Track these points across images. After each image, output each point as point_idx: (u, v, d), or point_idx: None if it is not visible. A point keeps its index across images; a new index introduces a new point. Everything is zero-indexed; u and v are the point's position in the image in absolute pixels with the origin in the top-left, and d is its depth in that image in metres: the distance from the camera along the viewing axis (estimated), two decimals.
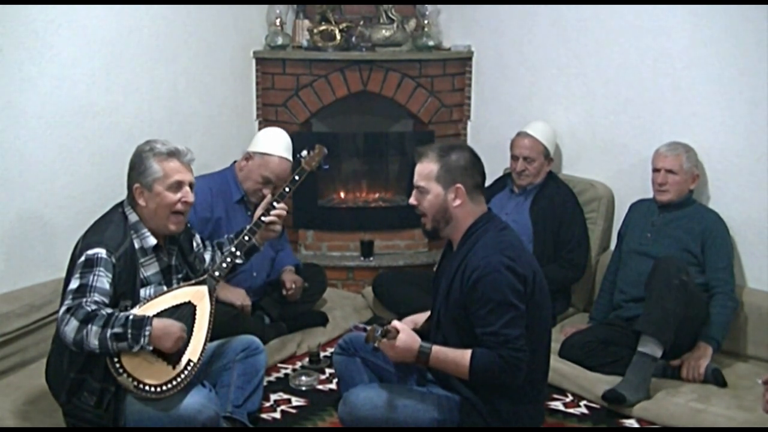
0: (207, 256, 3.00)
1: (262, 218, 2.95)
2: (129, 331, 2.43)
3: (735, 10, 3.42)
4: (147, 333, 2.45)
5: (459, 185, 2.60)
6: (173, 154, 2.69)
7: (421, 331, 2.76)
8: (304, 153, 3.13)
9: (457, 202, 2.61)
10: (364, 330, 2.55)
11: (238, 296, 3.43)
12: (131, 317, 2.46)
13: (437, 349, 2.52)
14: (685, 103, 3.65)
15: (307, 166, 3.11)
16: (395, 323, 2.56)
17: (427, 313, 2.82)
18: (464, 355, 2.50)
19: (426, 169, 2.63)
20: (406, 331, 2.53)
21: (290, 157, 3.50)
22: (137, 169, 2.68)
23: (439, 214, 2.63)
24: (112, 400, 2.53)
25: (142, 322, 2.47)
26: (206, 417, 2.56)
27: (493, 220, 2.66)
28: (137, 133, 3.54)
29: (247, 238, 2.91)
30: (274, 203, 2.98)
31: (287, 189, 3.02)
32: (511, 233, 2.66)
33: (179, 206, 2.68)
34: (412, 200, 2.69)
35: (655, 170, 3.50)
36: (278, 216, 2.97)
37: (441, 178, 2.61)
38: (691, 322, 3.21)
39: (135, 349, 2.45)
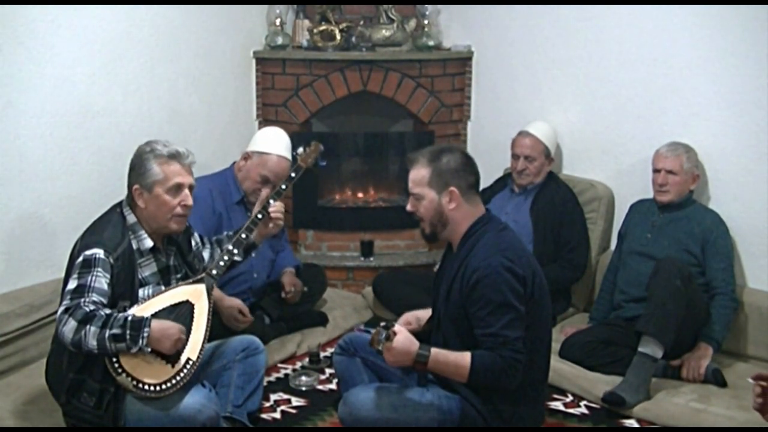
0: (206, 254, 3.00)
1: (259, 215, 2.95)
2: (127, 332, 2.43)
3: (735, 10, 3.43)
4: (145, 334, 2.45)
5: (453, 188, 2.59)
6: (174, 156, 2.67)
7: (423, 333, 2.76)
8: (300, 150, 3.13)
9: (452, 205, 2.60)
10: (367, 332, 2.52)
11: (235, 305, 3.38)
12: (130, 318, 2.46)
13: (436, 352, 2.49)
14: (685, 103, 3.65)
15: (303, 163, 3.11)
16: (396, 327, 2.50)
17: (430, 311, 2.81)
18: (464, 357, 2.49)
19: (418, 175, 2.63)
20: (403, 333, 2.48)
21: (289, 156, 3.50)
22: (137, 170, 2.67)
23: (436, 219, 2.63)
24: (111, 401, 2.53)
25: (141, 323, 2.46)
26: (206, 417, 2.56)
27: (492, 220, 2.66)
28: (137, 133, 3.54)
29: (244, 235, 2.91)
30: (271, 200, 2.98)
31: (284, 186, 3.02)
32: (510, 233, 2.66)
33: (178, 210, 2.67)
34: (409, 207, 2.69)
35: (656, 171, 3.50)
36: (278, 211, 2.98)
37: (433, 182, 2.60)
38: (692, 323, 3.21)
39: (133, 350, 2.45)
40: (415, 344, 2.48)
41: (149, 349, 2.48)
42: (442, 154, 2.63)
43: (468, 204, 2.62)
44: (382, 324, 2.48)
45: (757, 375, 2.14)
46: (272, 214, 2.97)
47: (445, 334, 2.64)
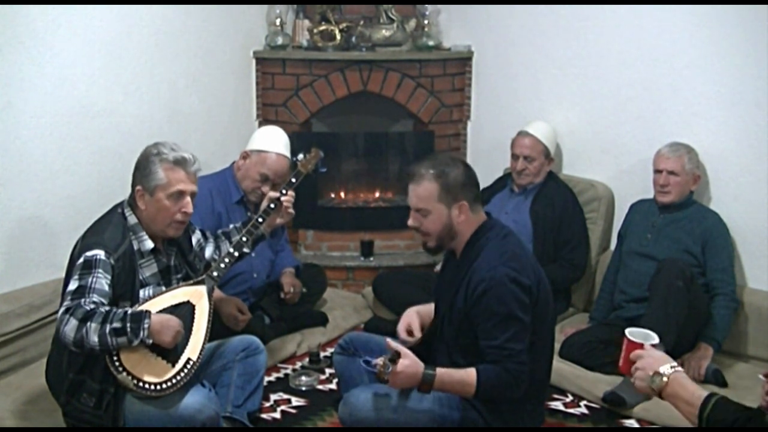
0: (209, 250, 2.99)
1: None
2: (128, 325, 2.43)
3: (735, 10, 3.42)
4: (146, 326, 2.45)
5: (462, 202, 2.58)
6: (179, 163, 2.67)
7: (423, 336, 2.75)
8: (300, 156, 3.14)
9: (462, 217, 2.59)
10: (371, 364, 2.50)
11: (233, 306, 3.38)
12: (129, 312, 2.47)
13: (441, 372, 2.47)
14: (686, 103, 3.65)
15: (304, 168, 3.11)
16: (402, 352, 2.46)
17: (430, 306, 2.80)
18: (470, 375, 2.48)
19: (425, 191, 2.59)
20: (409, 356, 2.46)
21: (288, 154, 3.50)
22: (142, 171, 2.66)
23: (444, 232, 2.61)
24: (111, 401, 2.53)
25: (141, 315, 2.47)
26: (206, 416, 2.56)
27: (495, 227, 2.64)
28: (137, 133, 3.55)
29: (244, 238, 2.91)
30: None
31: (284, 191, 3.02)
32: (513, 240, 2.64)
33: (178, 216, 2.67)
34: (412, 222, 2.65)
35: (657, 171, 3.50)
36: (289, 199, 3.01)
37: (443, 197, 2.57)
38: (693, 323, 3.21)
39: (135, 343, 2.45)
40: (420, 366, 2.46)
41: (150, 341, 2.47)
42: (447, 167, 2.59)
43: (473, 215, 2.62)
44: (387, 356, 2.44)
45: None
46: (285, 203, 2.99)
47: (448, 342, 2.63)
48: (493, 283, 2.47)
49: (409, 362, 2.45)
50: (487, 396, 2.50)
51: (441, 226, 2.60)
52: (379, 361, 2.43)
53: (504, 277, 2.47)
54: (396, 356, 2.43)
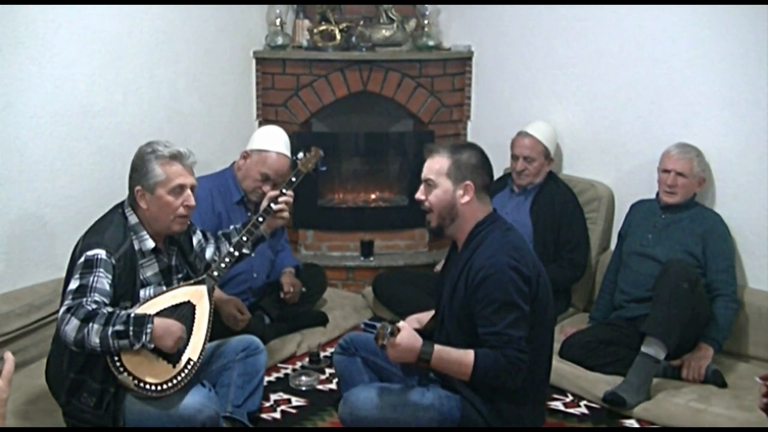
0: (209, 251, 2.99)
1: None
2: (131, 328, 2.43)
3: (735, 10, 3.43)
4: (149, 330, 2.45)
5: (468, 182, 2.60)
6: (175, 157, 2.67)
7: (425, 332, 2.76)
8: (300, 155, 3.14)
9: (465, 199, 2.61)
10: (373, 327, 2.52)
11: (233, 306, 3.38)
12: (132, 315, 2.47)
13: (439, 349, 2.49)
14: (686, 103, 3.65)
15: (303, 168, 3.11)
16: (401, 324, 2.51)
17: (431, 312, 2.81)
18: (467, 355, 2.48)
19: (437, 164, 2.64)
20: (407, 329, 2.49)
21: (288, 153, 3.50)
22: (139, 171, 2.66)
23: (446, 211, 2.63)
24: (111, 401, 2.53)
25: (144, 319, 2.47)
26: (206, 416, 2.56)
27: (498, 220, 2.66)
28: (137, 133, 3.55)
29: (244, 238, 2.91)
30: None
31: (284, 190, 3.02)
32: (516, 234, 2.66)
33: (181, 210, 2.67)
34: (419, 195, 2.68)
35: (665, 171, 3.48)
36: (289, 198, 3.00)
37: (452, 173, 2.61)
38: (694, 324, 3.21)
39: (136, 347, 2.45)
40: (419, 341, 2.48)
41: (152, 346, 2.48)
42: (464, 148, 2.67)
43: (479, 202, 2.63)
44: (388, 321, 2.48)
45: (764, 375, 2.14)
46: (284, 202, 2.99)
47: (448, 334, 2.63)
48: (493, 270, 2.48)
49: (408, 335, 2.46)
50: (483, 381, 2.50)
51: (444, 202, 2.62)
52: (379, 324, 2.45)
53: (504, 265, 2.48)
54: (395, 323, 2.45)
